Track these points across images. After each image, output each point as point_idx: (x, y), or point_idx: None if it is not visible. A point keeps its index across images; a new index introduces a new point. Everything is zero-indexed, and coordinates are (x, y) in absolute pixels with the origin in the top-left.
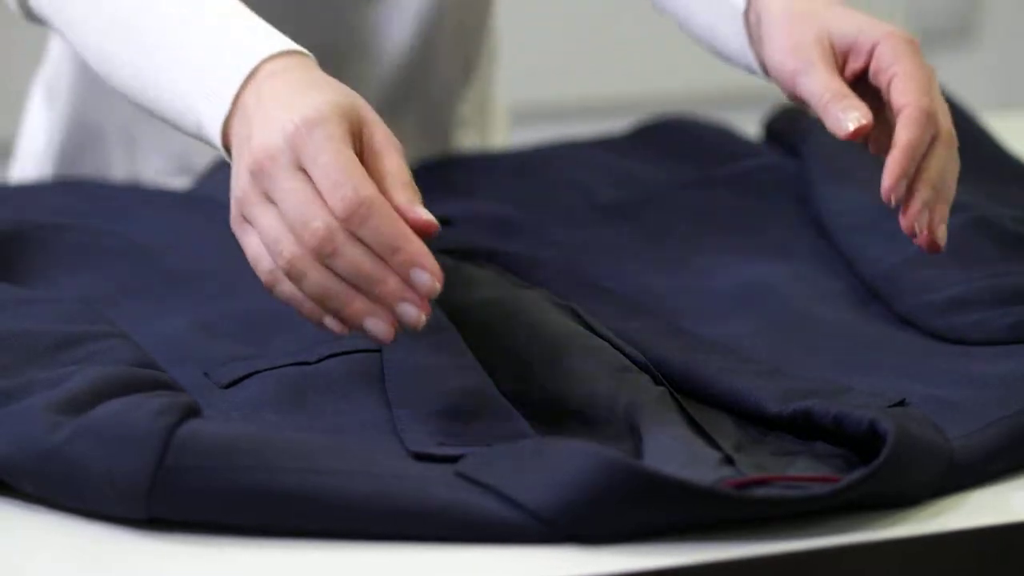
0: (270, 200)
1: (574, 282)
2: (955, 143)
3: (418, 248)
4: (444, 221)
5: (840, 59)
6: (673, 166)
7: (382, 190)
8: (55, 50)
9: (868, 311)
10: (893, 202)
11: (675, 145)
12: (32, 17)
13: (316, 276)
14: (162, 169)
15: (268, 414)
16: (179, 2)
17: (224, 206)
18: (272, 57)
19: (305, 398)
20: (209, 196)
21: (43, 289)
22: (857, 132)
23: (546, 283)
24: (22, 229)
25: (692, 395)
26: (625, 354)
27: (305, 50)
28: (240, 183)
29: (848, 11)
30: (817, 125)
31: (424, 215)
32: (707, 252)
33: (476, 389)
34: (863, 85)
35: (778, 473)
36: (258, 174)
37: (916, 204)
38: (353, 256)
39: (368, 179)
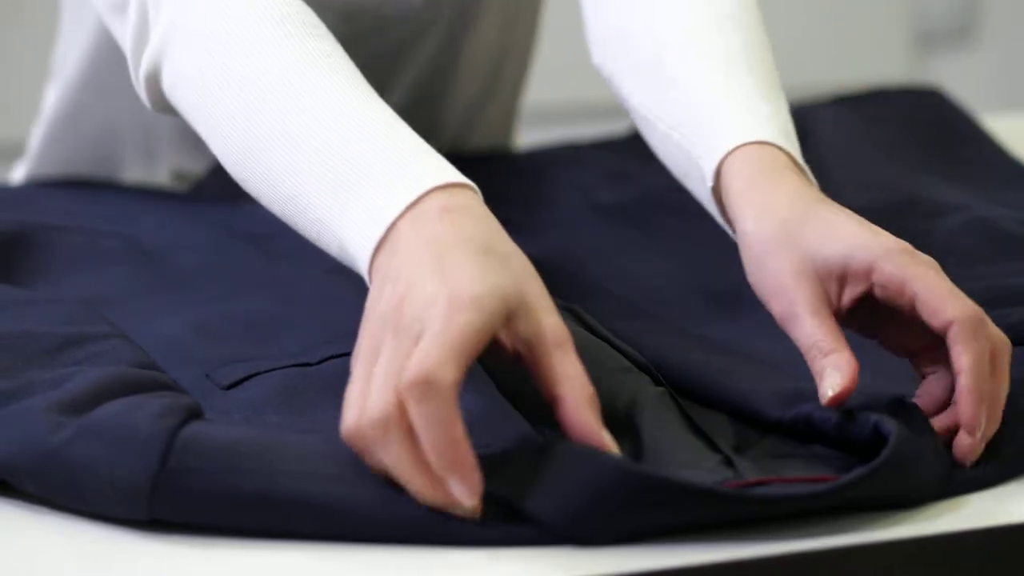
0: (389, 335)
1: (574, 282)
2: (1008, 348)
3: (468, 460)
4: None
5: (835, 286)
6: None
7: (559, 395)
8: (70, 62)
9: None
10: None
11: None
12: (163, 107)
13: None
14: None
15: (269, 415)
16: (330, 110)
17: (226, 209)
18: (439, 188)
19: (306, 399)
20: (210, 199)
21: (44, 290)
22: (835, 400)
23: (545, 283)
24: (23, 230)
25: (691, 397)
26: (625, 355)
27: (471, 183)
28: (374, 326)
29: (828, 222)
30: (817, 126)
31: (611, 445)
32: (707, 254)
33: (478, 392)
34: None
35: (777, 475)
36: (386, 323)
37: (978, 436)
38: (395, 453)
39: (457, 367)
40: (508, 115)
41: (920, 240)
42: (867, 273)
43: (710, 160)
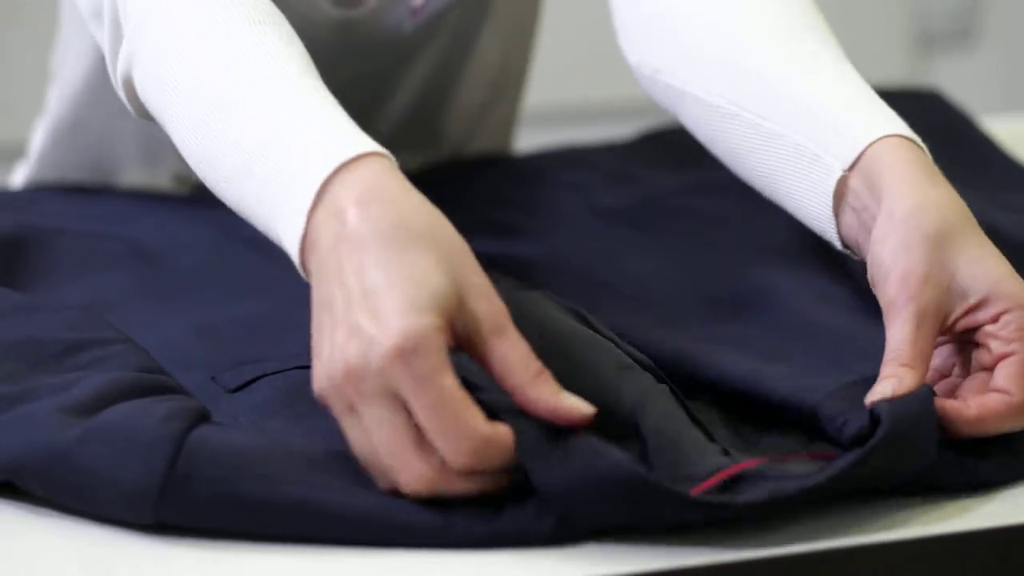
0: (357, 412)
1: (574, 285)
2: None
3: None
4: None
5: (961, 308)
6: (676, 170)
7: (513, 384)
8: (69, 66)
9: (868, 317)
10: None
11: (680, 150)
12: (143, 113)
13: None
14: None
15: (276, 419)
16: (268, 104)
17: (227, 212)
18: (344, 166)
19: (313, 402)
20: (211, 201)
21: (45, 294)
22: (873, 404)
23: (546, 285)
24: (25, 233)
25: (695, 384)
26: (627, 354)
27: (381, 149)
28: (321, 377)
29: (982, 249)
30: None
31: (574, 408)
32: (708, 256)
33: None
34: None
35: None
36: (340, 389)
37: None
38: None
39: (476, 411)
40: (509, 118)
41: None
42: (998, 315)
43: (845, 148)
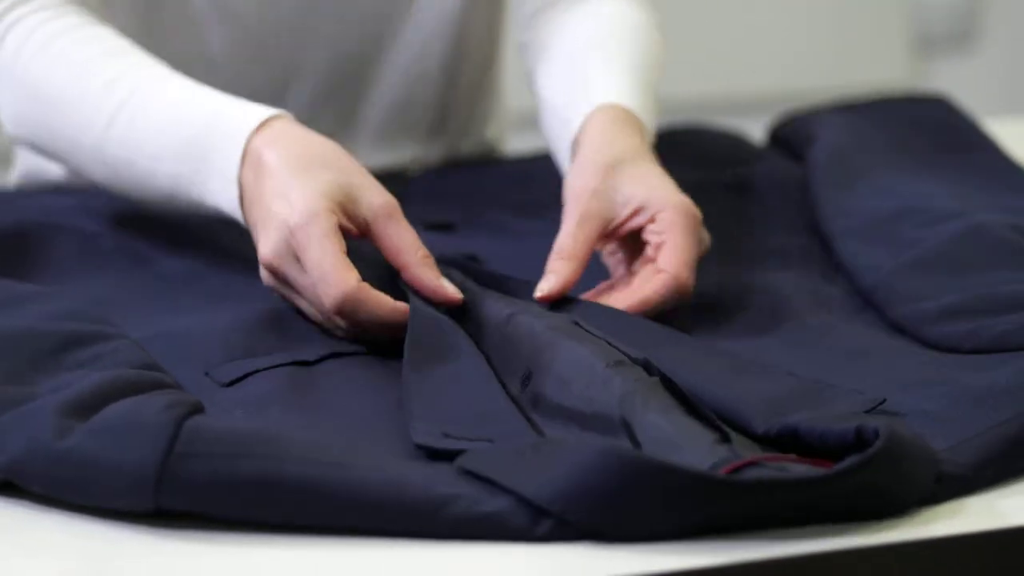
0: (292, 286)
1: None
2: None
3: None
4: (445, 226)
5: (626, 212)
6: (676, 171)
7: (400, 264)
8: None
9: (862, 319)
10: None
11: (680, 150)
12: (18, 140)
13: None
14: None
15: (270, 410)
16: (157, 112)
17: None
18: (256, 131)
19: (304, 398)
20: None
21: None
22: (540, 298)
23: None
24: (21, 231)
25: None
26: (620, 351)
27: (281, 112)
28: (263, 266)
29: (644, 169)
30: (822, 131)
31: (451, 292)
32: (706, 256)
33: (487, 395)
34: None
35: (773, 455)
36: (275, 272)
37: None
38: (361, 324)
39: (349, 271)
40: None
41: (915, 247)
42: (654, 216)
43: (580, 114)
